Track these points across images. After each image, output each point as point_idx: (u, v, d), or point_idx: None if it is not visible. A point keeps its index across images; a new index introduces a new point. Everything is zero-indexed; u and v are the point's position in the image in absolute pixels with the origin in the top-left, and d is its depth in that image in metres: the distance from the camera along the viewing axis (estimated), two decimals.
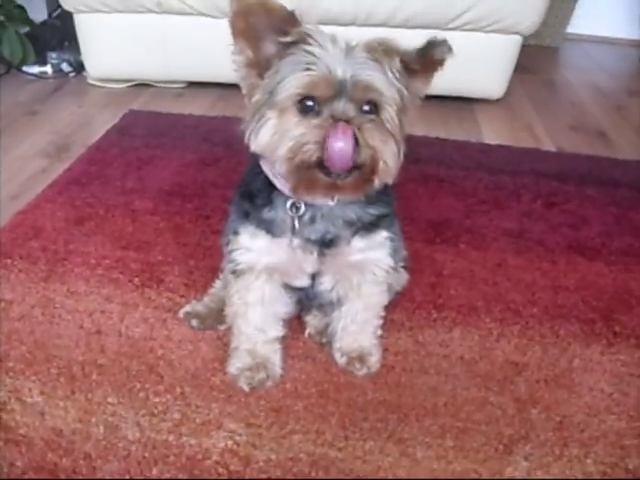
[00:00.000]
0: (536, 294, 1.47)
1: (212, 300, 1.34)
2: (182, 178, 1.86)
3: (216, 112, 2.38)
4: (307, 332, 1.31)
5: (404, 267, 1.36)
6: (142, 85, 2.59)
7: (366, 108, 0.93)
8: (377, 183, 0.96)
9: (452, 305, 1.41)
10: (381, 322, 1.27)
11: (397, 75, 0.94)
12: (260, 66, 0.95)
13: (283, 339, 1.24)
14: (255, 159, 1.05)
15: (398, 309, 1.38)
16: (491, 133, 2.35)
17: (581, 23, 3.56)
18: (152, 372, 1.20)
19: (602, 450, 1.10)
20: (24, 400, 1.12)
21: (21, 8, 2.65)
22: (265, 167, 1.04)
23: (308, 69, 0.90)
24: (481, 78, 2.48)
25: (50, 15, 2.91)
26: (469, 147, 2.19)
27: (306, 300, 1.26)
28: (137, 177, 1.85)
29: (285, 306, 1.22)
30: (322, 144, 0.88)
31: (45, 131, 2.19)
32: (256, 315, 1.19)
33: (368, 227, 1.09)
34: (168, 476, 1.01)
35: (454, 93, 2.50)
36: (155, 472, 1.01)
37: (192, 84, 2.61)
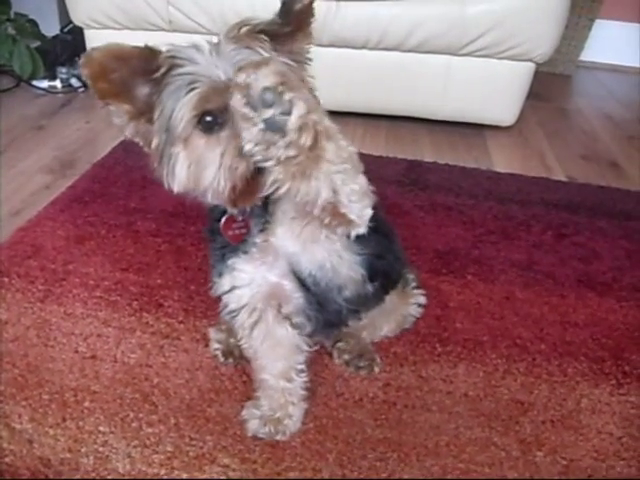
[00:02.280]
0: (544, 330, 1.42)
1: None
2: (186, 199, 1.82)
3: None
4: (340, 360, 1.27)
5: (417, 287, 1.36)
6: None
7: None
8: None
9: (457, 339, 1.37)
10: None
11: (273, 50, 0.88)
12: (143, 112, 0.88)
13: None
14: None
15: (402, 342, 1.34)
16: (501, 161, 2.31)
17: (595, 51, 3.54)
18: (146, 401, 1.17)
19: None
20: (12, 426, 1.09)
21: (33, 22, 2.66)
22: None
23: (191, 89, 0.83)
24: (493, 104, 2.45)
25: (62, 30, 2.91)
26: (478, 175, 2.15)
27: (336, 317, 1.11)
28: (141, 197, 1.82)
29: (298, 354, 1.12)
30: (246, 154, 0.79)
31: (50, 147, 2.17)
32: (271, 362, 1.11)
33: None
34: None
35: (464, 119, 2.48)
36: None
37: None
